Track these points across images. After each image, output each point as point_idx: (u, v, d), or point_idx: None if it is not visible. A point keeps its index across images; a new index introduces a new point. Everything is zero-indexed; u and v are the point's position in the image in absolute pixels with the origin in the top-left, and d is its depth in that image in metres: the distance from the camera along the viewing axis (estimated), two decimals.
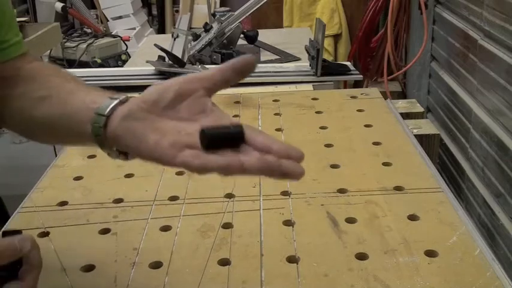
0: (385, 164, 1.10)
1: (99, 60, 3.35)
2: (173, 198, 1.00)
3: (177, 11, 4.24)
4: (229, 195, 1.00)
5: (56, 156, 1.24)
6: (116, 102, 0.63)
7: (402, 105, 1.52)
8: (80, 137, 0.67)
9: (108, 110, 0.62)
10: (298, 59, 2.00)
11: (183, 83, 0.62)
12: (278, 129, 1.28)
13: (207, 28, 2.00)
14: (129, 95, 0.64)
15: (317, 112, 1.38)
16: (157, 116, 0.60)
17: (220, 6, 3.77)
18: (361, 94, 1.48)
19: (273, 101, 1.47)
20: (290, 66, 1.85)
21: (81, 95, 0.69)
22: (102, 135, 0.62)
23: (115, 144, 0.63)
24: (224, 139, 0.56)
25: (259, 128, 1.30)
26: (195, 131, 0.57)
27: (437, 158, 1.49)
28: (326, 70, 1.71)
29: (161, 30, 4.41)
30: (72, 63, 3.50)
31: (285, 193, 1.00)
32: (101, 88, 0.71)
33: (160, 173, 1.10)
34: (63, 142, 0.79)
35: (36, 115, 0.72)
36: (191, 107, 0.61)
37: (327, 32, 2.92)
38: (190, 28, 2.78)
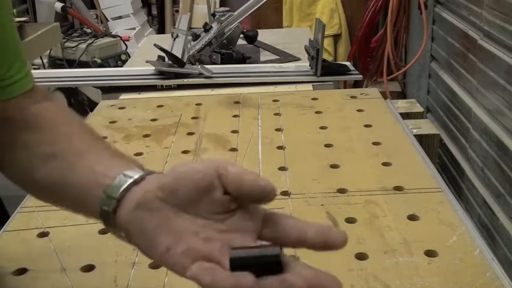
0: (385, 164, 1.10)
1: (99, 60, 3.35)
2: None
3: (177, 11, 4.24)
4: None
5: None
6: (129, 182, 0.55)
7: (402, 105, 1.52)
8: (85, 211, 0.61)
9: (120, 192, 0.54)
10: (298, 59, 2.00)
11: (208, 174, 0.51)
12: (278, 129, 1.28)
13: (206, 28, 2.00)
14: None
15: (317, 112, 1.38)
16: (174, 208, 0.52)
17: (220, 6, 3.77)
18: (361, 94, 1.48)
19: (273, 101, 1.47)
20: (290, 66, 1.85)
21: (91, 159, 0.61)
22: (110, 219, 0.55)
23: (124, 233, 0.55)
24: (254, 265, 0.47)
25: (259, 128, 1.30)
26: (215, 234, 0.50)
27: (437, 158, 1.49)
28: (326, 70, 1.71)
29: (161, 30, 4.41)
30: (72, 63, 3.50)
31: (285, 193, 1.00)
32: (115, 149, 0.64)
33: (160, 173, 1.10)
34: (68, 210, 0.66)
35: (38, 176, 0.64)
36: (215, 202, 0.51)
37: (326, 32, 2.92)
38: (190, 28, 2.77)
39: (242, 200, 0.52)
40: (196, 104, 1.47)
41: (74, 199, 0.61)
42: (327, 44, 3.19)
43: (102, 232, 0.91)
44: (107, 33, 3.92)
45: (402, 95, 2.87)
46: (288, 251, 0.55)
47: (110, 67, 3.15)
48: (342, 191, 1.00)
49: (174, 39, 2.21)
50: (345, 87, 2.58)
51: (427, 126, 1.42)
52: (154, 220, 0.52)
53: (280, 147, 1.19)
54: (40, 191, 0.67)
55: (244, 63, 1.93)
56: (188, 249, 0.50)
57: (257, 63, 1.98)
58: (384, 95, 1.83)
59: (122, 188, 0.55)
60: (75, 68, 3.28)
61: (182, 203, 0.52)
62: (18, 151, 0.67)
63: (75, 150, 0.63)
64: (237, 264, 0.47)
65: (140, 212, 0.52)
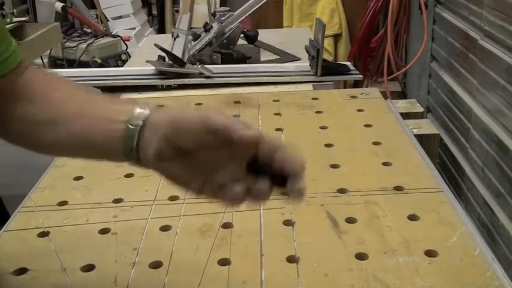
0: (385, 164, 1.10)
1: (99, 60, 3.35)
2: (173, 198, 1.00)
3: (177, 11, 4.23)
4: None
5: None
6: (138, 130, 0.63)
7: (402, 105, 1.52)
8: (109, 159, 0.69)
9: (134, 144, 0.63)
10: (298, 59, 2.00)
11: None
12: (278, 129, 1.28)
13: (207, 28, 2.00)
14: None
15: (317, 112, 1.38)
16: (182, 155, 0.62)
17: (220, 6, 3.76)
18: (361, 94, 1.48)
19: (273, 101, 1.47)
20: (290, 66, 1.85)
21: (89, 119, 0.67)
22: (138, 165, 0.65)
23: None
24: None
25: (260, 128, 1.30)
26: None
27: (438, 158, 1.49)
28: (326, 70, 1.71)
29: (161, 30, 4.40)
30: (72, 63, 3.50)
31: (285, 193, 1.00)
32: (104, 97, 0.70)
33: None
34: (84, 158, 0.75)
35: (45, 140, 0.70)
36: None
37: (327, 32, 2.92)
38: (190, 28, 2.77)
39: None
40: (197, 104, 1.47)
41: (92, 154, 0.70)
42: (327, 43, 3.19)
43: (102, 232, 0.91)
44: (107, 33, 3.92)
45: (402, 95, 2.87)
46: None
47: (110, 67, 3.14)
48: (342, 191, 1.00)
49: (175, 39, 2.21)
50: (345, 87, 2.58)
51: (427, 126, 1.42)
52: (176, 168, 0.62)
53: None
54: (53, 152, 0.76)
55: (245, 63, 1.93)
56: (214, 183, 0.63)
57: (257, 63, 1.98)
58: (384, 95, 1.83)
59: (135, 140, 0.63)
60: (75, 67, 3.28)
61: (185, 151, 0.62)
62: (19, 124, 0.71)
63: (72, 112, 0.68)
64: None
65: (160, 164, 0.63)
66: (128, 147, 0.64)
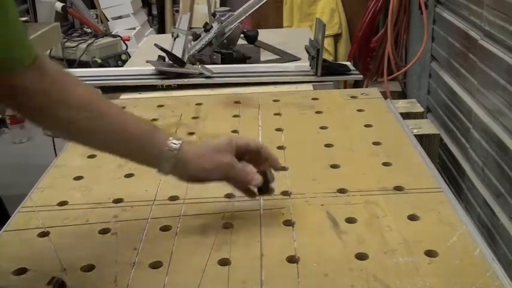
0: (385, 164, 1.10)
1: (99, 60, 3.35)
2: (173, 198, 1.00)
3: (177, 11, 4.23)
4: (229, 195, 1.00)
5: (56, 156, 1.24)
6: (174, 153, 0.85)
7: (402, 105, 1.52)
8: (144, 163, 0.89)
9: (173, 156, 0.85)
10: (298, 59, 1.99)
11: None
12: (278, 129, 1.28)
13: (207, 28, 2.00)
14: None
15: (317, 112, 1.38)
16: None
17: (220, 6, 3.76)
18: (361, 94, 1.48)
19: (273, 101, 1.47)
20: (290, 66, 1.85)
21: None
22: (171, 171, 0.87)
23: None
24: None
25: (260, 128, 1.30)
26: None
27: (438, 158, 1.49)
28: (326, 70, 1.71)
29: (161, 30, 4.41)
30: (72, 63, 3.50)
31: (285, 193, 1.00)
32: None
33: None
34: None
35: (84, 142, 0.88)
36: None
37: (327, 32, 2.92)
38: (190, 28, 2.77)
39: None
40: (197, 104, 1.47)
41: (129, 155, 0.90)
42: (327, 43, 3.19)
43: (102, 232, 0.91)
44: (107, 33, 3.92)
45: (402, 95, 2.87)
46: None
47: (110, 67, 3.14)
48: (342, 191, 1.00)
49: (175, 39, 2.21)
50: (345, 87, 2.58)
51: (427, 126, 1.42)
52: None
53: (280, 147, 1.19)
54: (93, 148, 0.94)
55: (245, 63, 1.93)
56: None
57: (257, 63, 1.98)
58: (384, 95, 1.83)
59: (178, 148, 0.84)
60: (75, 67, 3.28)
61: None
62: (60, 111, 0.81)
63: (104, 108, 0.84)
64: None
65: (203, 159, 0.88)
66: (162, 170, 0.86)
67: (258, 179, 0.89)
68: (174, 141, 0.84)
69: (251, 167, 0.89)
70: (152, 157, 0.85)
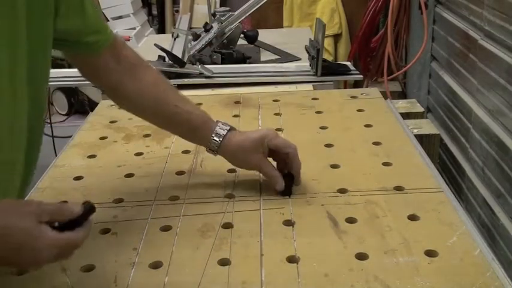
0: (385, 164, 1.10)
1: None
2: (173, 198, 1.00)
3: (177, 11, 4.23)
4: (229, 195, 1.00)
5: (56, 156, 1.24)
6: (225, 134, 1.01)
7: (402, 105, 1.52)
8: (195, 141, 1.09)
9: (220, 140, 1.00)
10: (298, 59, 2.00)
11: None
12: (278, 129, 1.28)
13: (207, 28, 2.00)
14: None
15: (317, 112, 1.38)
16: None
17: (220, 6, 3.76)
18: (361, 94, 1.48)
19: (273, 101, 1.47)
20: (290, 66, 1.85)
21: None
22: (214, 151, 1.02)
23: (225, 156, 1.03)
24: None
25: (260, 128, 1.30)
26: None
27: (438, 158, 1.49)
28: (326, 70, 1.71)
29: (161, 30, 4.40)
30: None
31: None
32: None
33: (160, 173, 1.10)
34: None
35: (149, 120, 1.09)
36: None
37: (327, 32, 2.92)
38: (190, 28, 2.78)
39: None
40: (197, 104, 1.46)
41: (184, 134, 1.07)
42: (327, 43, 3.18)
43: (102, 232, 0.91)
44: None
45: (403, 95, 2.87)
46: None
47: None
48: (342, 191, 1.00)
49: (175, 39, 2.21)
50: (345, 87, 2.58)
51: (427, 126, 1.42)
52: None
53: None
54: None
55: (245, 63, 1.93)
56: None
57: (257, 63, 1.98)
58: (384, 95, 1.83)
59: (221, 139, 1.00)
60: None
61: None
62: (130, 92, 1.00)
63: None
64: None
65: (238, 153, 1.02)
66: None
67: (280, 184, 0.98)
68: (221, 128, 1.01)
69: (276, 172, 0.99)
70: (202, 141, 1.03)
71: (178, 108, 1.01)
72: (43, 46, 0.83)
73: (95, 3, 0.96)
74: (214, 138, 1.00)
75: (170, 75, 1.71)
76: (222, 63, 1.90)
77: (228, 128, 1.01)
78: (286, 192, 0.99)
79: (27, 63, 0.79)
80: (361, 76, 1.82)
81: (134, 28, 4.22)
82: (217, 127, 1.01)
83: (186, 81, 1.70)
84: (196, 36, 2.03)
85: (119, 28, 4.18)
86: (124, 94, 1.01)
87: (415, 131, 1.35)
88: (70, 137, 1.32)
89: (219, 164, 1.07)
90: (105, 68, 0.97)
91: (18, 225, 0.65)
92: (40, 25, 0.81)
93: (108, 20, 4.28)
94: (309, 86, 1.67)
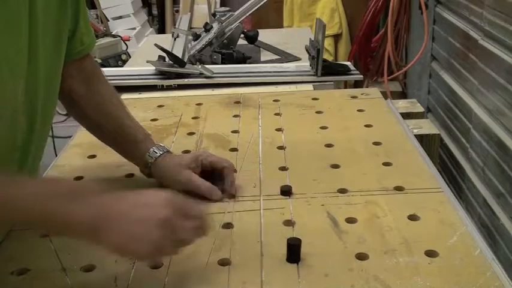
0: (385, 164, 1.10)
1: (99, 60, 3.34)
2: None
3: (177, 11, 4.24)
4: (230, 196, 1.00)
5: (56, 156, 1.24)
6: (160, 154, 1.03)
7: (402, 105, 1.52)
8: (130, 160, 1.07)
9: (154, 158, 1.02)
10: (298, 59, 1.99)
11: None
12: (278, 129, 1.28)
13: (207, 28, 2.00)
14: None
15: (317, 112, 1.38)
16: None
17: (221, 6, 3.77)
18: (362, 94, 1.48)
19: (273, 101, 1.47)
20: (290, 66, 1.85)
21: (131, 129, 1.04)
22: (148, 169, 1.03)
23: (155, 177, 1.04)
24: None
25: (260, 128, 1.30)
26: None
27: (438, 158, 1.49)
28: (326, 70, 1.71)
29: (161, 30, 4.41)
30: None
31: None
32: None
33: None
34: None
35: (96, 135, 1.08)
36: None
37: (327, 32, 2.92)
38: (191, 28, 2.77)
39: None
40: (197, 104, 1.47)
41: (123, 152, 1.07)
42: (328, 43, 3.18)
43: None
44: (107, 33, 3.91)
45: (403, 95, 2.87)
46: None
47: (110, 67, 3.14)
48: (342, 191, 1.00)
49: (175, 39, 2.21)
50: (345, 87, 2.58)
51: (427, 126, 1.42)
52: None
53: (280, 147, 1.19)
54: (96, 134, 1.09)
55: (245, 63, 1.93)
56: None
57: (258, 63, 1.98)
58: (385, 95, 1.83)
59: (156, 157, 1.01)
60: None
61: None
62: (84, 100, 1.03)
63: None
64: None
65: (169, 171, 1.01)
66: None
67: (216, 194, 0.98)
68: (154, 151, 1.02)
69: (208, 183, 0.98)
70: (136, 159, 1.04)
71: (123, 124, 1.03)
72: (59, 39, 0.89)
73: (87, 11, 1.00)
74: (150, 154, 1.01)
75: (170, 75, 1.71)
76: (222, 63, 1.90)
77: (164, 150, 1.02)
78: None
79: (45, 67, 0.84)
80: (361, 76, 1.82)
81: (134, 28, 4.22)
82: (155, 147, 1.02)
83: (186, 81, 1.70)
84: (196, 36, 2.03)
85: (119, 28, 4.19)
86: (75, 101, 1.03)
87: (415, 131, 1.35)
88: (70, 137, 1.32)
89: None
90: (66, 73, 0.96)
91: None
92: (57, 26, 0.87)
93: (109, 20, 4.28)
94: (309, 86, 1.67)
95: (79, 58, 1.00)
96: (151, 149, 1.02)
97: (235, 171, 1.04)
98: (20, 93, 0.79)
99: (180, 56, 1.89)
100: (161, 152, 1.01)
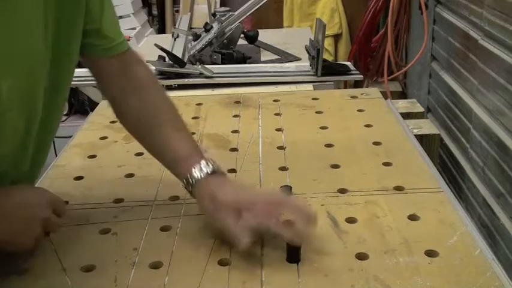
0: (385, 164, 1.10)
1: None
2: (173, 198, 1.00)
3: (177, 11, 4.23)
4: None
5: (56, 156, 1.24)
6: (202, 177, 0.87)
7: (402, 105, 1.52)
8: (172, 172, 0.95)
9: (195, 183, 0.88)
10: (298, 59, 2.00)
11: None
12: (278, 129, 1.28)
13: (207, 28, 2.00)
14: None
15: (317, 112, 1.38)
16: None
17: (221, 6, 3.76)
18: (362, 94, 1.48)
19: (273, 101, 1.47)
20: (290, 66, 1.85)
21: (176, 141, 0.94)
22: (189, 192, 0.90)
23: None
24: None
25: (260, 128, 1.30)
26: None
27: (438, 158, 1.49)
28: (326, 70, 1.71)
29: (161, 30, 4.41)
30: None
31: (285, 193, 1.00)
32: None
33: (161, 173, 1.10)
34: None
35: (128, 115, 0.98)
36: None
37: (327, 32, 2.92)
38: (191, 28, 2.77)
39: None
40: (197, 104, 1.47)
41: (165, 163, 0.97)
42: (328, 43, 3.18)
43: (102, 232, 0.91)
44: None
45: (403, 95, 2.87)
46: None
47: None
48: (342, 191, 1.00)
49: (175, 39, 2.21)
50: (345, 87, 2.58)
51: (427, 126, 1.42)
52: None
53: (280, 147, 1.19)
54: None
55: (245, 63, 1.93)
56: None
57: (258, 63, 1.98)
58: (385, 95, 1.83)
59: (196, 181, 0.87)
60: (75, 68, 3.27)
61: None
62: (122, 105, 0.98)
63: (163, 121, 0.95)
64: None
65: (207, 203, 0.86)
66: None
67: (242, 243, 0.80)
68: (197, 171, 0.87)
69: (238, 229, 0.81)
70: (179, 176, 0.92)
71: (168, 138, 0.93)
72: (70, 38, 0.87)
73: (115, 12, 0.96)
74: (192, 175, 0.87)
75: (170, 75, 1.71)
76: (222, 63, 1.90)
77: (211, 169, 0.87)
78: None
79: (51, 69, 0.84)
80: (361, 76, 1.82)
81: (134, 28, 4.22)
82: (199, 165, 0.87)
83: (186, 81, 1.70)
84: (196, 36, 2.03)
85: None
86: (122, 110, 0.98)
87: (415, 131, 1.35)
88: (70, 137, 1.32)
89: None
90: (108, 75, 0.96)
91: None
92: (70, 23, 0.85)
93: None
94: (309, 86, 1.67)
95: (118, 62, 0.95)
96: (193, 170, 0.87)
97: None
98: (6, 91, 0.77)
99: (180, 56, 1.89)
100: (203, 175, 0.87)
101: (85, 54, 0.93)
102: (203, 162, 0.88)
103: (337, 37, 3.31)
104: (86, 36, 0.90)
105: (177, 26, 2.49)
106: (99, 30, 0.91)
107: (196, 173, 0.87)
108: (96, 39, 0.91)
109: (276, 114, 1.38)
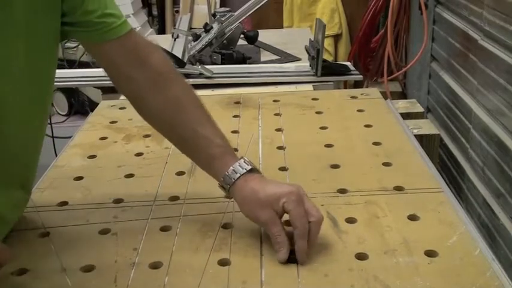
0: (385, 164, 1.10)
1: None
2: (173, 198, 1.00)
3: (177, 11, 4.23)
4: (229, 196, 1.00)
5: (56, 156, 1.24)
6: (239, 177, 0.85)
7: (402, 105, 1.52)
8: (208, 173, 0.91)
9: (232, 182, 0.86)
10: (298, 59, 1.99)
11: None
12: (278, 130, 1.28)
13: (207, 28, 2.00)
14: None
15: (317, 112, 1.38)
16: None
17: (220, 6, 3.76)
18: (361, 94, 1.48)
19: (273, 101, 1.47)
20: (290, 66, 1.85)
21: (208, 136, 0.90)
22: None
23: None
24: None
25: (260, 128, 1.30)
26: None
27: (438, 158, 1.49)
28: (326, 70, 1.71)
29: (161, 30, 4.40)
30: (72, 64, 3.50)
31: None
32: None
33: (161, 173, 1.10)
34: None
35: (144, 105, 0.93)
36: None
37: (327, 32, 2.92)
38: (191, 28, 2.77)
39: None
40: None
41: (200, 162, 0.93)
42: (328, 44, 3.18)
43: (102, 232, 0.91)
44: None
45: (403, 95, 2.87)
46: None
47: None
48: (342, 191, 1.00)
49: (175, 40, 2.21)
50: (345, 88, 2.58)
51: (427, 126, 1.42)
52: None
53: (280, 148, 1.19)
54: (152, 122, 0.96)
55: (245, 63, 1.93)
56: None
57: (257, 63, 1.98)
58: (384, 95, 1.83)
59: (234, 180, 0.85)
60: (75, 68, 3.28)
61: None
62: (129, 85, 0.93)
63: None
64: None
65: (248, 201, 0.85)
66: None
67: (282, 254, 0.81)
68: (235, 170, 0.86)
69: (283, 239, 0.81)
70: (216, 175, 0.89)
71: (197, 133, 0.89)
72: (45, 42, 0.82)
73: None
74: (229, 175, 0.85)
75: None
76: (222, 64, 1.90)
77: (248, 167, 0.86)
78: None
79: (27, 61, 0.78)
80: (361, 76, 1.82)
81: (134, 28, 4.21)
82: (237, 164, 0.86)
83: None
84: (196, 37, 2.03)
85: None
86: (143, 105, 0.93)
87: (415, 131, 1.35)
88: (70, 137, 1.32)
89: None
90: (113, 62, 0.90)
91: None
92: (42, 20, 0.79)
93: None
94: (309, 86, 1.67)
95: (130, 54, 0.90)
96: (230, 169, 0.85)
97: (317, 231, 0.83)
98: None
99: (180, 57, 1.89)
100: (243, 171, 0.85)
101: (89, 44, 0.89)
102: (241, 161, 0.86)
103: (337, 37, 3.31)
104: (80, 26, 0.85)
105: (177, 27, 2.49)
106: (86, 13, 0.84)
107: (234, 172, 0.85)
108: (91, 25, 0.85)
109: (276, 114, 1.38)
